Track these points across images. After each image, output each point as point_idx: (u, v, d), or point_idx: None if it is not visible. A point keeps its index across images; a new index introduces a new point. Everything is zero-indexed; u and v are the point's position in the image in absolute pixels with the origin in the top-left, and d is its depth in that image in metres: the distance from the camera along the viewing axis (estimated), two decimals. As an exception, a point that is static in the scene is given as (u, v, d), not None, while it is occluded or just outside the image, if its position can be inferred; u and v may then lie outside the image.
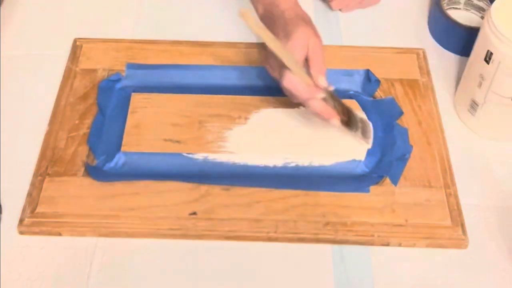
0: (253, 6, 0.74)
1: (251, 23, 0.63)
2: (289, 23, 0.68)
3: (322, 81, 0.67)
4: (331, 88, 0.68)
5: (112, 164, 0.71)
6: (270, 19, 0.70)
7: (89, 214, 0.67)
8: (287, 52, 0.65)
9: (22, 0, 0.91)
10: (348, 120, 0.70)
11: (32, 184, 0.69)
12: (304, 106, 0.69)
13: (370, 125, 0.73)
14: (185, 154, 0.71)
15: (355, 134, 0.71)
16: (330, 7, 0.89)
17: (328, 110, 0.68)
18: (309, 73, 0.67)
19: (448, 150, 0.73)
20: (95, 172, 0.70)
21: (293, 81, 0.66)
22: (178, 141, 0.72)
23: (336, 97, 0.69)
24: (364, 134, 0.72)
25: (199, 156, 0.71)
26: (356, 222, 0.67)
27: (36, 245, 0.66)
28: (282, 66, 0.66)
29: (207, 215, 0.67)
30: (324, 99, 0.68)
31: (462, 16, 0.87)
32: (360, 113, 0.74)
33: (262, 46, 0.81)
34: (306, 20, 0.70)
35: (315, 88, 0.67)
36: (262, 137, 0.73)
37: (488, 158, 0.74)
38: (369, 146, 0.72)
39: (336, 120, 0.68)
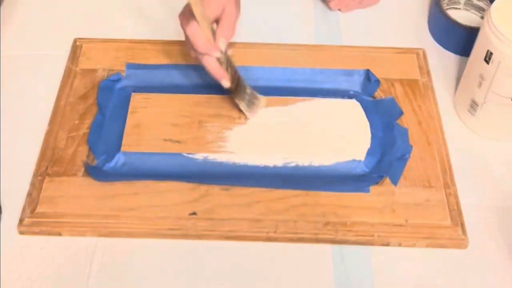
0: None
1: None
2: None
3: (222, 44, 0.69)
4: (229, 52, 0.71)
5: (112, 164, 0.71)
6: None
7: (89, 214, 0.67)
8: (200, 4, 0.67)
9: (22, 0, 0.91)
10: (236, 89, 0.73)
11: (32, 184, 0.69)
12: (198, 61, 0.72)
13: (261, 100, 0.74)
14: (185, 154, 0.71)
15: (240, 104, 0.73)
16: (329, 7, 0.89)
17: (220, 70, 0.71)
18: (213, 34, 0.70)
19: (448, 150, 0.73)
20: (95, 172, 0.70)
21: (196, 31, 0.69)
22: (178, 141, 0.72)
23: (233, 65, 0.72)
24: (250, 106, 0.74)
25: (199, 156, 0.71)
26: (356, 222, 0.67)
27: (36, 245, 0.66)
28: (191, 16, 0.68)
29: (207, 215, 0.67)
30: (219, 60, 0.70)
31: (462, 16, 0.87)
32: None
33: (259, 45, 0.83)
34: None
35: (213, 45, 0.69)
36: (262, 137, 0.73)
37: (488, 158, 0.74)
38: (249, 116, 0.74)
39: (226, 81, 0.71)
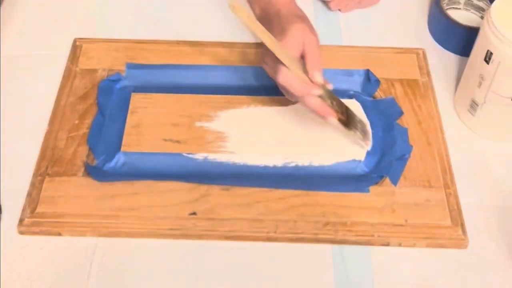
0: (250, 8, 0.74)
1: (243, 17, 0.62)
2: (284, 20, 0.68)
3: (318, 77, 0.66)
4: (330, 86, 0.67)
5: (112, 164, 0.71)
6: (267, 19, 0.70)
7: (89, 214, 0.67)
8: (282, 48, 0.65)
9: (22, 0, 0.91)
10: (347, 120, 0.70)
11: (32, 184, 0.69)
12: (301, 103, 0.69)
13: (369, 126, 0.73)
14: (185, 154, 0.71)
15: (354, 135, 0.71)
16: (329, 8, 0.89)
17: (324, 107, 0.67)
18: (305, 70, 0.66)
19: (448, 150, 0.73)
20: (95, 172, 0.70)
21: (288, 77, 0.65)
22: (178, 141, 0.72)
23: (335, 96, 0.69)
24: (364, 135, 0.71)
25: (199, 156, 0.71)
26: (356, 222, 0.67)
27: (36, 245, 0.66)
28: (278, 63, 0.65)
29: (207, 215, 0.67)
30: (321, 97, 0.67)
31: (462, 16, 0.87)
32: (360, 114, 0.73)
33: (259, 45, 0.81)
34: (301, 17, 0.70)
35: (311, 85, 0.66)
36: (262, 137, 0.73)
37: (488, 158, 0.74)
38: (368, 148, 0.71)
39: (332, 119, 0.68)
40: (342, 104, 0.69)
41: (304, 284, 0.64)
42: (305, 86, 0.66)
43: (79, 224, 0.66)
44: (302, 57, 0.67)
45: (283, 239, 0.66)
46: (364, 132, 0.71)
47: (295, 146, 0.72)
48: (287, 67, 0.65)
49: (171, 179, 0.69)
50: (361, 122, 0.71)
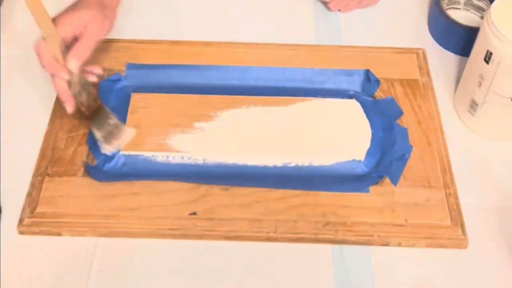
0: None
1: None
2: (85, 2, 0.69)
3: (72, 64, 0.66)
4: (92, 78, 0.69)
5: (111, 164, 0.71)
6: None
7: (89, 214, 0.67)
8: (48, 21, 0.65)
9: (22, 0, 0.90)
10: (94, 115, 0.70)
11: (32, 184, 0.69)
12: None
13: (126, 132, 0.71)
14: (185, 154, 0.71)
15: (96, 133, 0.70)
16: (329, 8, 0.89)
17: (65, 93, 0.68)
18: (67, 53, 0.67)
19: (448, 150, 0.73)
20: (95, 172, 0.70)
21: (41, 48, 0.66)
22: (178, 141, 0.72)
23: (91, 91, 0.69)
24: (108, 137, 0.71)
25: (199, 156, 0.71)
26: (356, 222, 0.67)
27: (36, 245, 0.66)
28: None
29: (207, 215, 0.67)
30: (69, 83, 0.68)
31: (462, 16, 0.87)
32: (115, 119, 0.72)
33: (259, 45, 0.82)
34: (103, 6, 0.70)
35: (61, 66, 0.67)
36: (262, 137, 0.73)
37: (488, 158, 0.74)
38: (108, 152, 0.71)
39: (69, 107, 0.69)
40: (94, 100, 0.70)
41: (304, 284, 0.64)
42: (54, 65, 0.67)
43: (79, 224, 0.66)
44: (75, 40, 0.68)
45: (283, 239, 0.66)
46: (112, 134, 0.71)
47: (295, 146, 0.72)
48: (45, 40, 0.65)
49: (171, 179, 0.69)
50: (114, 125, 0.71)
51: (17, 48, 0.84)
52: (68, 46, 0.68)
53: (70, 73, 0.68)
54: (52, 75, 0.68)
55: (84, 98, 0.69)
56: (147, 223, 0.66)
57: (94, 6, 0.69)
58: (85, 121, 0.71)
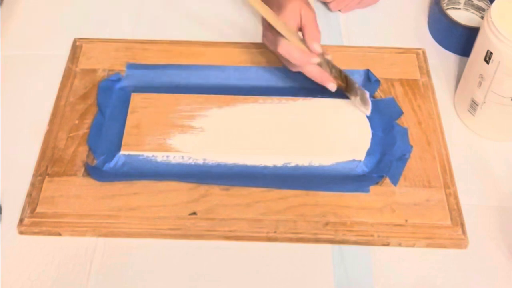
0: None
1: None
2: None
3: (316, 47, 0.71)
4: (329, 56, 0.72)
5: (112, 164, 0.71)
6: None
7: (89, 214, 0.67)
8: (281, 21, 0.70)
9: (22, 0, 0.91)
10: (347, 87, 0.73)
11: (32, 184, 0.69)
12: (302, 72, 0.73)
13: (367, 94, 0.74)
14: (185, 154, 0.71)
15: (354, 100, 0.74)
16: (329, 9, 0.89)
17: (324, 75, 0.73)
18: (303, 41, 0.72)
19: (448, 150, 0.73)
20: (95, 172, 0.70)
21: (287, 48, 0.71)
22: (178, 141, 0.72)
23: (334, 64, 0.73)
24: (363, 101, 0.73)
25: (199, 156, 0.71)
26: (356, 222, 0.67)
27: (36, 245, 0.66)
28: (278, 36, 0.71)
29: (207, 215, 0.67)
30: (320, 65, 0.72)
31: (462, 16, 0.87)
32: (358, 84, 0.75)
33: (259, 45, 0.82)
34: None
35: (309, 54, 0.71)
36: (262, 137, 0.73)
37: (488, 158, 0.74)
38: (368, 113, 0.73)
39: (332, 84, 0.73)
40: (341, 72, 0.73)
41: (304, 284, 0.64)
42: (304, 55, 0.71)
43: (79, 224, 0.66)
44: (301, 30, 0.72)
45: (283, 239, 0.66)
46: (363, 98, 0.73)
47: (295, 146, 0.72)
48: (286, 39, 0.70)
49: (171, 179, 0.69)
50: (360, 89, 0.73)
51: (17, 48, 0.84)
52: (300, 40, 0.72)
53: (318, 55, 0.71)
54: (303, 67, 0.72)
55: (335, 72, 0.73)
56: (147, 223, 0.66)
57: None
58: (345, 92, 0.74)
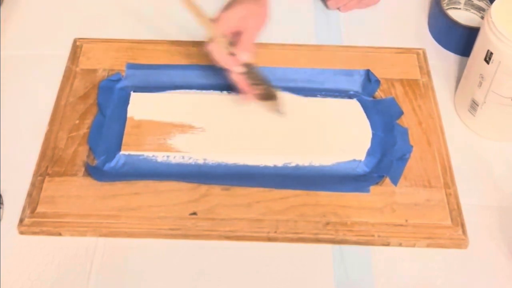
0: None
1: None
2: None
3: (244, 57, 0.70)
4: (255, 69, 0.72)
5: (112, 164, 0.71)
6: None
7: (89, 214, 0.67)
8: (210, 22, 0.69)
9: (22, 0, 0.91)
10: (266, 95, 0.74)
11: (32, 184, 0.69)
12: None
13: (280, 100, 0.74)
14: (185, 154, 0.71)
15: (271, 105, 0.74)
16: (327, 6, 0.89)
17: (243, 84, 0.72)
18: (233, 47, 0.71)
19: (448, 150, 0.73)
20: (95, 172, 0.70)
21: (213, 49, 0.70)
22: (178, 141, 0.72)
23: (258, 73, 0.73)
24: (279, 107, 0.74)
25: (199, 156, 0.71)
26: (356, 222, 0.67)
27: (36, 245, 0.66)
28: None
29: (207, 215, 0.67)
30: (244, 74, 0.71)
31: (462, 16, 0.87)
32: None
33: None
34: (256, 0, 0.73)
35: (234, 61, 0.70)
36: (262, 137, 0.73)
37: (488, 158, 0.74)
38: (283, 113, 0.74)
39: (248, 96, 0.73)
40: (264, 80, 0.73)
41: (304, 284, 0.64)
42: (229, 60, 0.70)
43: (79, 224, 0.66)
44: (239, 35, 0.71)
45: (283, 239, 0.66)
46: (279, 104, 0.74)
47: (296, 146, 0.72)
48: (213, 40, 0.70)
49: (171, 179, 0.69)
50: (276, 94, 0.74)
51: (17, 48, 0.84)
52: (232, 42, 0.71)
53: (243, 65, 0.71)
54: (227, 71, 0.72)
55: (257, 82, 0.73)
56: (148, 223, 0.66)
57: (248, 0, 0.72)
58: (263, 99, 0.74)
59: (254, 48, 0.72)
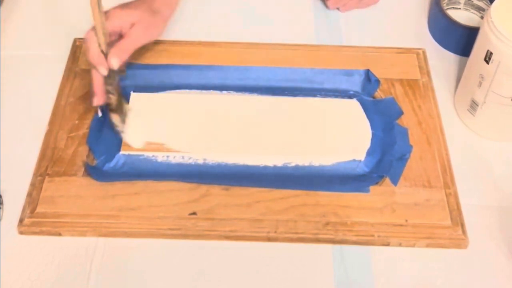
0: None
1: None
2: (136, 3, 0.71)
3: (113, 62, 0.68)
4: (116, 78, 0.70)
5: (112, 164, 0.71)
6: None
7: (89, 214, 0.67)
8: (100, 14, 0.66)
9: (22, 0, 0.91)
10: (115, 107, 0.71)
11: (32, 184, 0.69)
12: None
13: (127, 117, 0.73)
14: (185, 154, 0.71)
15: (116, 119, 0.72)
16: (327, 6, 0.89)
17: (99, 87, 0.69)
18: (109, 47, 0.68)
19: (448, 150, 0.73)
20: (95, 172, 0.70)
21: (91, 39, 0.67)
22: (178, 142, 0.72)
23: (116, 83, 0.70)
24: (123, 123, 0.72)
25: (199, 156, 0.71)
26: (356, 222, 0.67)
27: (36, 245, 0.66)
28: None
29: (207, 215, 0.67)
30: (105, 79, 0.69)
31: (462, 16, 0.87)
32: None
33: (256, 45, 0.83)
34: (153, 12, 0.72)
35: (102, 61, 0.68)
36: (262, 137, 0.73)
37: (488, 158, 0.74)
38: (122, 131, 0.72)
39: (97, 100, 0.70)
40: (118, 92, 0.71)
41: (304, 284, 0.64)
42: (98, 57, 0.68)
43: (79, 224, 0.66)
44: (120, 38, 0.70)
45: (283, 239, 0.66)
46: (123, 121, 0.73)
47: (295, 146, 0.72)
48: (95, 31, 0.67)
49: (171, 179, 0.69)
50: (125, 114, 0.73)
51: (17, 48, 0.84)
52: (110, 43, 0.69)
53: (108, 69, 0.69)
54: (93, 67, 0.69)
55: (114, 96, 0.71)
56: (147, 223, 0.66)
57: (145, 10, 0.72)
58: (110, 111, 0.72)
59: (126, 57, 0.70)
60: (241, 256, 0.66)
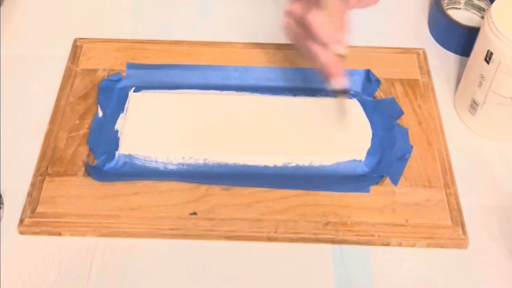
0: None
1: None
2: None
3: (345, 38, 0.64)
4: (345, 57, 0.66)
5: (112, 164, 0.71)
6: None
7: (89, 214, 0.67)
8: None
9: (22, 0, 0.91)
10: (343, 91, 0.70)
11: (32, 184, 0.69)
12: (313, 54, 0.66)
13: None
14: (185, 154, 0.71)
15: (341, 106, 0.71)
16: None
17: (337, 66, 0.65)
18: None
19: (448, 150, 0.73)
20: (95, 172, 0.70)
21: (320, 18, 0.63)
22: (178, 142, 0.72)
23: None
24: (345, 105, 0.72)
25: (200, 156, 0.71)
26: (356, 222, 0.67)
27: (36, 245, 0.66)
28: (312, 4, 0.62)
29: (207, 215, 0.67)
30: (341, 58, 0.66)
31: (462, 16, 0.87)
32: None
33: (258, 45, 0.82)
34: None
35: (340, 40, 0.64)
36: (262, 137, 0.73)
37: (488, 158, 0.74)
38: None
39: (340, 80, 0.66)
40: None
41: (304, 284, 0.64)
42: (334, 35, 0.63)
43: (79, 224, 0.66)
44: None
45: (283, 239, 0.66)
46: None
47: (296, 146, 0.72)
48: (324, 9, 0.62)
49: (171, 179, 0.69)
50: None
51: (17, 48, 0.84)
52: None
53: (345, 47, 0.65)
54: (321, 48, 0.64)
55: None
56: (148, 223, 0.66)
57: None
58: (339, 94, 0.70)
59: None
60: (241, 256, 0.66)
